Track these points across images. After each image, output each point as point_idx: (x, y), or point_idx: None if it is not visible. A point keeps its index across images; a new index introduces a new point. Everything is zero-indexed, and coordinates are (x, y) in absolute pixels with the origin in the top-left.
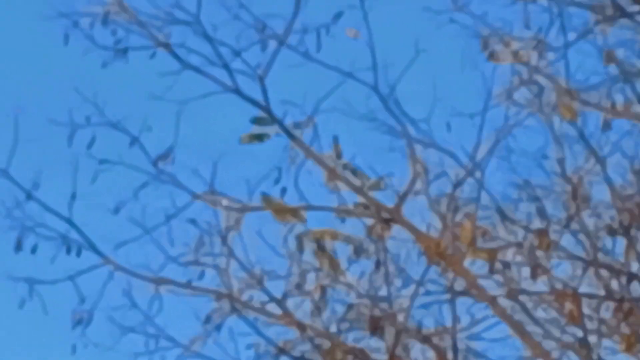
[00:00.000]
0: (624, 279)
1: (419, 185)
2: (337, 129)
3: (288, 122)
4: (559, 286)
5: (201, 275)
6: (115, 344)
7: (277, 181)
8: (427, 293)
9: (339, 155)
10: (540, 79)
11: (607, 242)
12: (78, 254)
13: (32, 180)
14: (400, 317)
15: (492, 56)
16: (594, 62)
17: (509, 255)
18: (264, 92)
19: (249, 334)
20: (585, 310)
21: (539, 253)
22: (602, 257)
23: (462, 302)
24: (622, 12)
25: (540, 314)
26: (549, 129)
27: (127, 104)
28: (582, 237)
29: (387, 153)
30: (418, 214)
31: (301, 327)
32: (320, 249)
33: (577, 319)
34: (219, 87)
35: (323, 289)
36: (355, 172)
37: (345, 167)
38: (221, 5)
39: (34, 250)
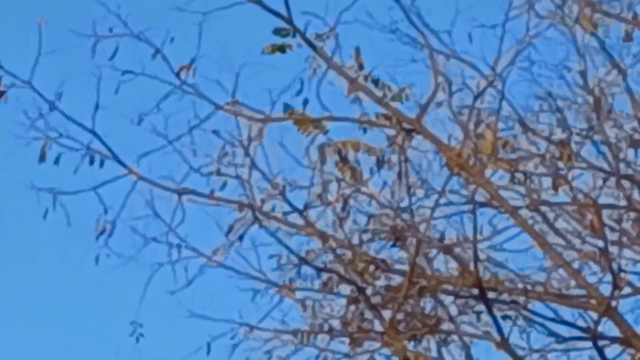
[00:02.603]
0: None
1: (440, 96)
2: (358, 40)
3: (310, 33)
4: (580, 197)
5: (223, 186)
6: (138, 254)
7: (299, 92)
8: (449, 204)
9: (360, 67)
10: None
11: (629, 153)
12: (101, 164)
13: (56, 92)
14: (422, 228)
15: None
16: None
17: (530, 166)
18: (286, 3)
19: (271, 244)
20: (606, 220)
21: (560, 164)
22: (624, 167)
23: (484, 212)
24: None
25: (561, 224)
26: (571, 41)
27: (150, 15)
28: (603, 148)
29: (409, 64)
30: (440, 124)
31: (323, 237)
32: (342, 159)
33: (598, 229)
34: None
35: (345, 200)
36: (377, 83)
37: (367, 78)
38: None
39: (57, 160)
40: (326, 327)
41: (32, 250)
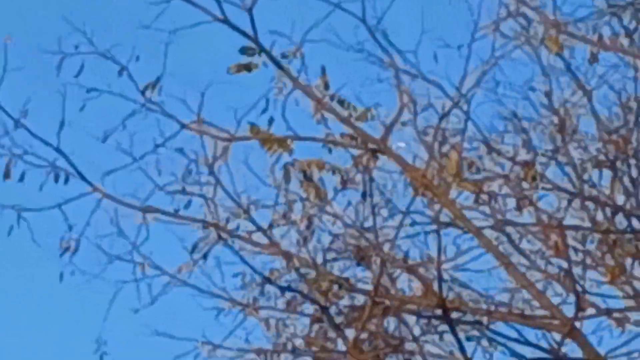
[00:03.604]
0: (609, 211)
1: (405, 116)
2: (324, 59)
3: (276, 52)
4: (544, 218)
5: (188, 204)
6: (102, 272)
7: (264, 111)
8: (413, 224)
9: (326, 86)
10: (528, 11)
11: (593, 174)
12: (66, 182)
13: (21, 109)
14: (386, 248)
15: None
16: None
17: (495, 186)
18: (252, 22)
19: (235, 263)
20: (571, 242)
21: (525, 185)
22: (588, 189)
23: (448, 233)
24: None
25: (525, 245)
26: (536, 61)
27: (116, 33)
28: (568, 169)
29: (375, 84)
30: (405, 144)
31: (287, 256)
32: (307, 179)
33: (562, 250)
34: (207, 17)
35: (309, 219)
36: (342, 102)
37: (332, 97)
38: None
39: (22, 178)
40: (290, 347)
41: None
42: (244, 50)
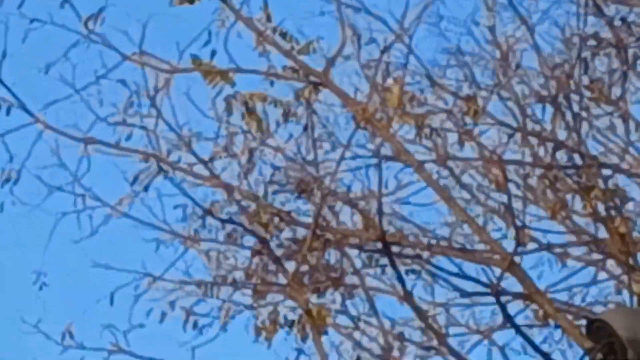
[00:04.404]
0: (550, 147)
1: (348, 49)
2: None
3: None
4: (486, 152)
5: (129, 136)
6: (43, 203)
7: (206, 43)
8: (355, 157)
9: (268, 19)
10: None
11: (535, 109)
12: (7, 112)
13: None
14: (327, 181)
15: None
16: None
17: (437, 120)
18: None
19: (176, 195)
20: (512, 176)
21: (467, 119)
22: (530, 124)
23: (389, 166)
24: None
25: (466, 179)
26: None
27: None
28: (510, 104)
29: (317, 17)
30: (347, 78)
31: (228, 189)
32: (249, 111)
33: (502, 185)
34: None
35: (251, 152)
36: (284, 35)
37: (274, 30)
38: None
39: None
40: (230, 279)
41: None
42: None
